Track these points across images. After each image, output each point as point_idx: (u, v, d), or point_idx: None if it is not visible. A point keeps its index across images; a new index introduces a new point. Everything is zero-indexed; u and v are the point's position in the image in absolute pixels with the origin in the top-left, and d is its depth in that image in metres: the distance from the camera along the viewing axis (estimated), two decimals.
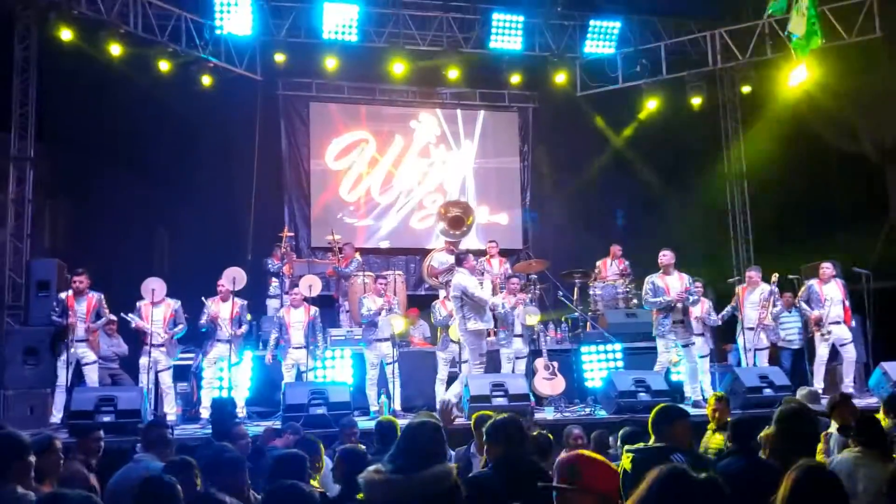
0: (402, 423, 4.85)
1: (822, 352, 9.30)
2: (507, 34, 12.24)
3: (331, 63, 11.95)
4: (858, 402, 8.16)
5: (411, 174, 13.47)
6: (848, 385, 9.20)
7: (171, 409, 8.68)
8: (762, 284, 9.51)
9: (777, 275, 9.51)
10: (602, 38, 12.65)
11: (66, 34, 10.21)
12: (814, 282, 9.42)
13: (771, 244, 12.60)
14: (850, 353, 9.26)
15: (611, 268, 11.27)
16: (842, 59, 11.30)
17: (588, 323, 10.69)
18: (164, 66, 11.03)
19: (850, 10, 11.11)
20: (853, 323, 9.40)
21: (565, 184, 13.46)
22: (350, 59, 12.19)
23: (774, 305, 9.50)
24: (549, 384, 9.29)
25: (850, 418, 4.77)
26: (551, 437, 5.38)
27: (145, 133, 11.28)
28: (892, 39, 10.92)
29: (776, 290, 9.49)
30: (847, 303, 9.38)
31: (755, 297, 9.47)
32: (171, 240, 11.84)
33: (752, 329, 9.43)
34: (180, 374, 9.20)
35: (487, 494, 3.35)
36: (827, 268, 9.43)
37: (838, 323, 9.25)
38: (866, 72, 11.40)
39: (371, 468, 3.25)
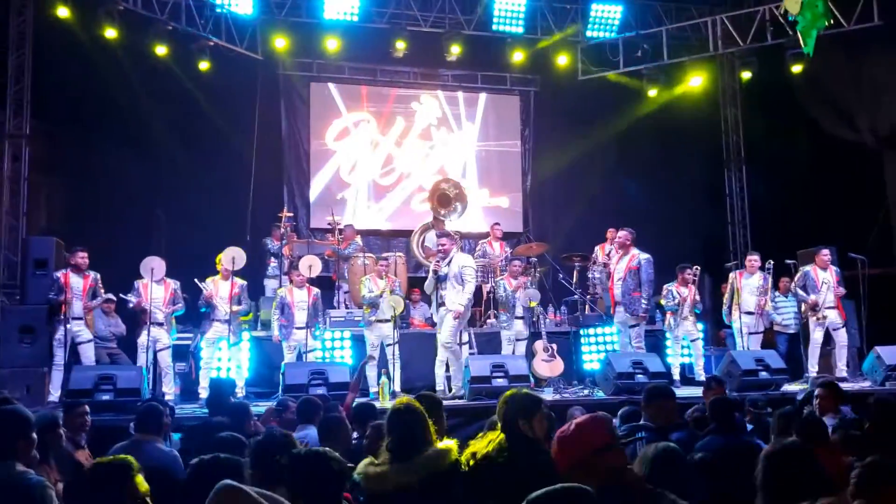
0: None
1: (816, 336, 9.37)
2: (510, 17, 12.19)
3: (332, 44, 11.89)
4: (852, 386, 8.36)
5: (412, 156, 13.45)
6: (841, 369, 9.30)
7: (169, 389, 8.67)
8: (758, 271, 9.60)
9: (772, 261, 9.62)
10: (604, 23, 12.62)
11: (62, 11, 10.11)
12: (809, 267, 9.49)
13: (768, 229, 12.66)
14: (842, 338, 9.37)
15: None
16: (841, 47, 11.33)
17: (587, 306, 10.72)
18: (163, 43, 10.91)
19: None
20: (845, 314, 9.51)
21: (566, 168, 13.43)
22: (351, 40, 12.12)
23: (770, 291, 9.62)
24: (548, 366, 9.35)
25: None
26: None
27: (143, 111, 11.18)
28: (891, 28, 10.92)
29: (769, 276, 9.60)
30: (841, 289, 9.47)
31: (754, 281, 9.52)
32: (169, 219, 11.78)
33: (750, 314, 9.50)
34: (178, 353, 9.18)
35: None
36: (826, 254, 9.51)
37: (833, 308, 9.35)
38: (865, 60, 11.42)
39: (365, 461, 3.28)
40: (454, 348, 8.28)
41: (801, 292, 9.49)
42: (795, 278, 9.61)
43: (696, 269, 9.72)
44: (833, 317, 9.32)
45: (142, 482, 2.61)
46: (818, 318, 9.29)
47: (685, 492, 2.72)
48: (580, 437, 2.65)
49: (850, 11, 11.07)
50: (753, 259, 9.68)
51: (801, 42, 5.76)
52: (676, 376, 9.32)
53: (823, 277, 9.38)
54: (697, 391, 7.60)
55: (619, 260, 8.96)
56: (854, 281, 9.95)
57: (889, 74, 11.12)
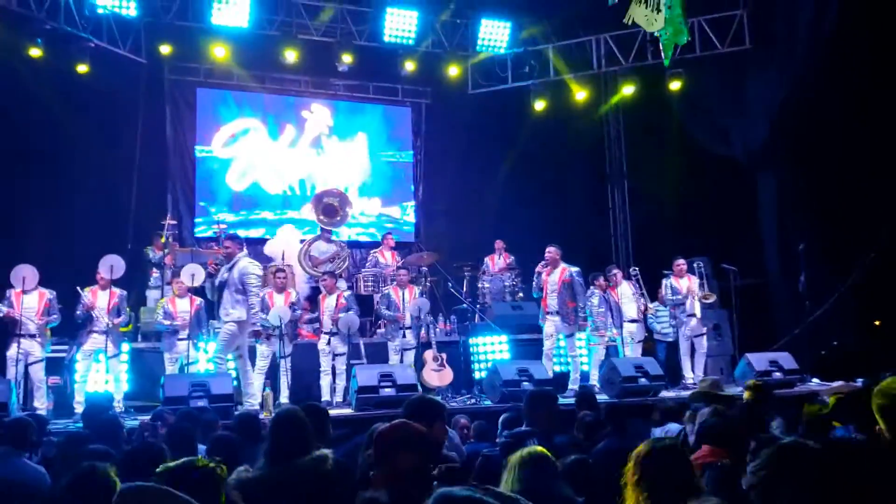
0: None
1: (687, 344, 9.84)
2: (401, 29, 12.28)
3: (220, 50, 11.61)
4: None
5: (303, 164, 13.30)
6: (698, 376, 9.58)
7: (41, 404, 8.24)
8: (624, 281, 10.06)
9: (637, 268, 10.22)
10: (493, 38, 12.89)
11: None
12: (671, 279, 9.94)
13: (649, 242, 13.17)
14: (702, 347, 9.84)
15: (498, 262, 11.54)
16: (716, 68, 12.02)
17: (476, 315, 10.87)
18: (37, 45, 10.39)
19: (724, 21, 11.84)
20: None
21: (457, 179, 13.63)
22: (240, 46, 11.90)
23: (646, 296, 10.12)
24: (438, 375, 9.32)
25: None
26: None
27: (18, 115, 10.60)
28: (759, 51, 11.69)
29: (636, 281, 10.11)
30: (700, 294, 9.91)
31: (626, 290, 9.96)
32: (47, 227, 11.20)
33: (634, 321, 9.91)
34: (53, 366, 8.74)
35: None
36: (680, 263, 9.97)
37: (693, 315, 9.80)
38: (738, 80, 12.13)
39: (241, 468, 3.22)
40: (220, 363, 8.00)
41: (672, 298, 9.93)
42: (663, 289, 10.06)
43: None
44: (693, 324, 9.79)
45: None
46: (706, 298, 9.80)
47: (553, 492, 2.80)
48: (377, 440, 2.73)
49: (724, 34, 11.81)
50: (613, 273, 10.10)
51: (662, 54, 6.09)
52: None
53: (684, 285, 9.84)
54: None
55: (549, 273, 9.18)
56: (727, 291, 10.50)
57: (759, 95, 11.84)
